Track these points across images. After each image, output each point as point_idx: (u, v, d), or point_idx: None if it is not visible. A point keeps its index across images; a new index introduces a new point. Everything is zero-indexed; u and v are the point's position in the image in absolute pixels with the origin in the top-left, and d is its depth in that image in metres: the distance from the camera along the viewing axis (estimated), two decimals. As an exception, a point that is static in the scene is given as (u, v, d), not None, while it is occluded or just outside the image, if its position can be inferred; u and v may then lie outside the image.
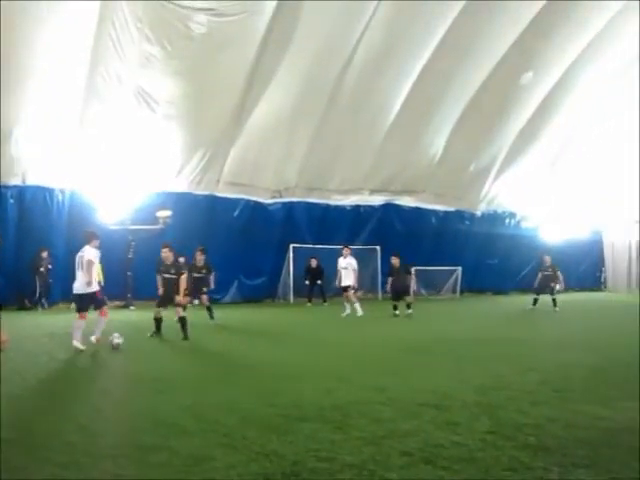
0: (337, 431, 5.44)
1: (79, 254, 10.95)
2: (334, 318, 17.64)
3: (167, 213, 20.52)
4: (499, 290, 29.16)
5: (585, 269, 32.88)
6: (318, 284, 22.92)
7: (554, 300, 19.94)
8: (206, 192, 22.04)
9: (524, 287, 30.03)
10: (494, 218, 29.71)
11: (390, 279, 17.95)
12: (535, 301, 20.41)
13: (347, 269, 18.60)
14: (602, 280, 34.33)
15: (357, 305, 17.93)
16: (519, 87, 24.21)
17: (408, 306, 17.11)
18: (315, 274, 22.99)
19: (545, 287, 20.46)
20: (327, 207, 24.90)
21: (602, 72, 25.47)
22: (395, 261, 17.70)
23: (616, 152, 29.06)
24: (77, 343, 10.38)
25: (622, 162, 29.44)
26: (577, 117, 27.11)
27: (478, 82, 23.39)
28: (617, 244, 33.92)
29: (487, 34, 21.81)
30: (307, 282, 23.24)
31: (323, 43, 19.80)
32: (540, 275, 20.79)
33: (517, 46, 22.32)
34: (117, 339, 10.68)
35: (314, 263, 22.97)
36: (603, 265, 34.45)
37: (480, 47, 22.22)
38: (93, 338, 10.93)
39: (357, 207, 25.65)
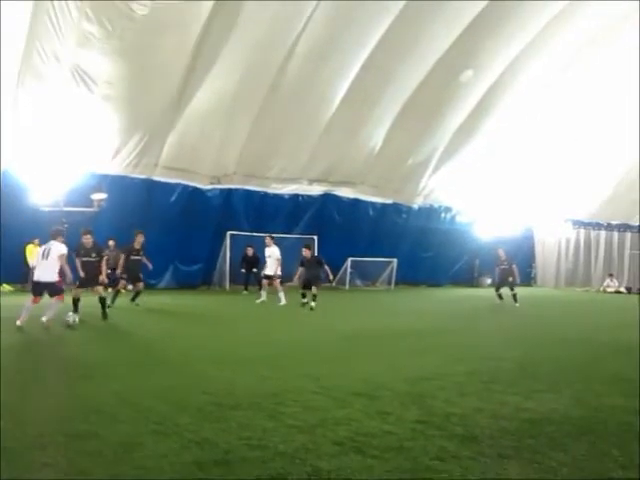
0: (270, 419, 5.48)
1: (45, 246, 11.95)
2: (268, 307, 17.65)
3: (102, 196, 20.13)
4: (433, 283, 29.69)
5: (517, 264, 33.65)
6: (254, 272, 22.86)
7: (514, 295, 19.94)
8: (143, 176, 21.67)
9: (458, 280, 30.81)
10: (430, 212, 30.17)
11: (301, 269, 17.50)
12: (500, 296, 20.44)
13: (270, 258, 18.67)
14: (532, 276, 35.30)
15: (281, 294, 17.93)
16: (458, 84, 24.56)
17: (314, 297, 16.58)
18: (251, 262, 22.92)
19: (504, 281, 20.68)
20: (265, 195, 24.79)
21: (540, 72, 26.05)
22: (306, 252, 17.46)
23: (550, 152, 29.86)
24: (19, 321, 11.05)
25: (555, 162, 30.33)
26: (514, 116, 27.69)
27: (419, 78, 23.63)
28: (547, 241, 35.00)
29: (429, 31, 22.03)
30: (243, 270, 23.16)
31: (266, 32, 19.65)
32: (498, 270, 21.09)
33: (458, 44, 22.60)
34: (72, 318, 11.66)
35: (250, 251, 22.87)
36: (534, 261, 35.44)
37: (422, 44, 22.44)
38: (44, 318, 11.36)
39: (296, 196, 25.64)
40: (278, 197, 25.14)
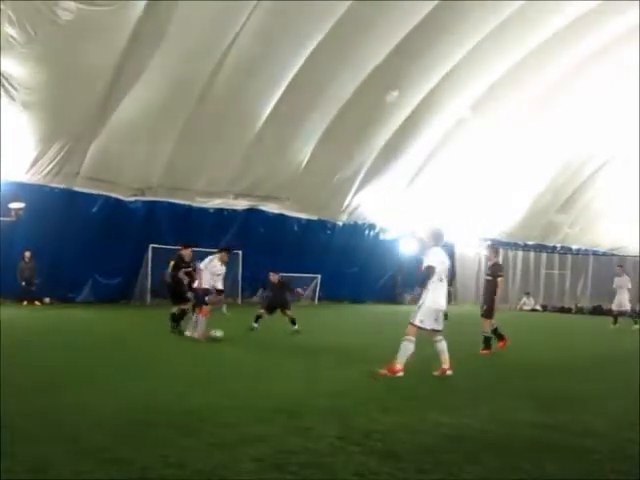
0: (188, 436, 5.38)
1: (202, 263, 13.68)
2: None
3: (20, 205, 19.47)
4: (357, 299, 29.88)
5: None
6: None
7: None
8: (63, 185, 21.08)
9: (380, 297, 31.10)
10: (354, 229, 30.48)
11: (266, 293, 16.94)
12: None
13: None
14: (451, 292, 35.95)
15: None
16: (385, 104, 25.00)
17: (293, 321, 15.13)
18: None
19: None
20: (190, 208, 24.48)
21: (463, 96, 26.84)
22: (273, 277, 16.09)
23: (470, 173, 30.75)
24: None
25: (474, 183, 31.27)
26: (437, 137, 28.39)
27: (346, 96, 23.93)
28: (467, 260, 35.81)
29: (358, 50, 22.39)
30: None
31: (196, 43, 19.52)
32: None
33: (385, 65, 23.07)
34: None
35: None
36: (454, 279, 36.16)
37: (350, 62, 22.77)
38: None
39: (221, 210, 25.43)
40: (203, 211, 24.87)
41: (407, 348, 8.69)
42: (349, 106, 24.14)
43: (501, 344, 12.56)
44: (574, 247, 40.19)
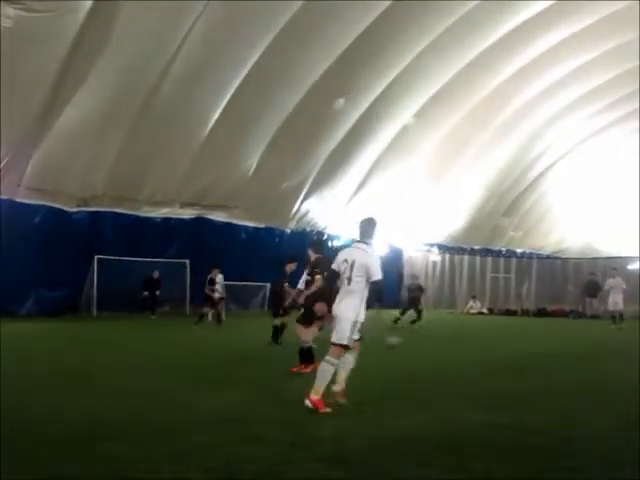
0: (137, 448, 5.29)
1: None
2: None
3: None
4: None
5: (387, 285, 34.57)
6: (156, 295, 23.22)
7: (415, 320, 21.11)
8: (4, 196, 20.51)
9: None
10: (303, 236, 30.47)
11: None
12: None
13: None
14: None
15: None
16: (332, 111, 25.13)
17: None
18: (155, 285, 23.09)
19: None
20: (136, 218, 24.11)
21: (408, 104, 27.21)
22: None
23: (416, 179, 31.17)
24: None
25: (421, 189, 31.73)
26: (383, 143, 28.68)
27: (293, 103, 23.95)
28: (415, 265, 36.17)
29: (303, 59, 22.47)
30: (146, 293, 23.19)
31: (140, 50, 19.24)
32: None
33: (332, 73, 23.17)
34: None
35: (156, 275, 23.05)
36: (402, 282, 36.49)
37: (298, 69, 22.84)
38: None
39: (168, 220, 25.10)
40: (149, 220, 24.53)
41: None
42: (296, 113, 24.17)
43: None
44: (518, 251, 41.08)
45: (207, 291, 19.55)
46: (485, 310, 34.94)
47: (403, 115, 27.61)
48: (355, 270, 7.00)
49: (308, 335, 9.93)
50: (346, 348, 7.00)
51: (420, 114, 27.57)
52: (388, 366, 10.76)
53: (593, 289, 29.28)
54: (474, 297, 35.70)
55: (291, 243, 29.36)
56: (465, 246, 38.21)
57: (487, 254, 38.65)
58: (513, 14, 23.78)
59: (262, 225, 28.39)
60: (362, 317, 7.04)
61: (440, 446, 5.56)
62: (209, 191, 25.29)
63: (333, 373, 6.98)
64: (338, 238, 32.06)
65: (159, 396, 7.82)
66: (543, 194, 38.46)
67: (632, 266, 32.27)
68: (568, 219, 41.00)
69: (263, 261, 25.34)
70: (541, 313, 32.35)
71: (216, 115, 22.70)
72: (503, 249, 40.47)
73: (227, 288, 23.00)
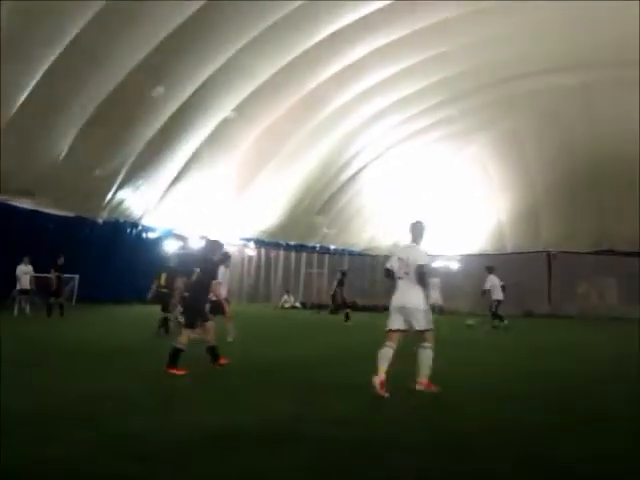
0: None
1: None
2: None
3: None
4: (119, 299, 28.74)
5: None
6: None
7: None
8: None
9: (144, 298, 30.21)
10: (116, 227, 29.48)
11: None
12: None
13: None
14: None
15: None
16: (150, 99, 24.49)
17: None
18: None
19: None
20: None
21: (228, 98, 27.19)
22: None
23: (233, 174, 31.25)
24: None
25: (237, 183, 31.84)
26: (202, 135, 28.42)
27: (109, 88, 23.04)
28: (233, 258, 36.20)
29: (122, 42, 21.66)
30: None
31: None
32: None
33: (150, 61, 22.58)
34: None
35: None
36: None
37: (113, 54, 21.96)
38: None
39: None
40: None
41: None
42: (112, 99, 23.27)
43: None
44: (332, 247, 42.53)
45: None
46: (298, 304, 35.81)
47: (223, 108, 27.53)
48: (412, 266, 8.11)
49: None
50: (421, 333, 8.08)
51: (240, 108, 27.64)
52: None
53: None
54: (288, 291, 36.47)
55: (103, 234, 28.35)
56: (281, 241, 38.93)
57: (302, 250, 39.64)
58: (331, 20, 24.45)
59: (72, 214, 27.05)
60: (426, 304, 8.22)
61: (246, 440, 5.60)
62: (13, 176, 23.57)
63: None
64: (153, 230, 31.40)
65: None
66: (356, 194, 40.07)
67: (435, 264, 34.54)
68: (378, 218, 43.04)
69: (72, 252, 24.11)
70: (352, 307, 33.64)
71: (24, 95, 21.25)
72: (317, 245, 41.69)
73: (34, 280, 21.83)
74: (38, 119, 22.27)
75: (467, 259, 35.17)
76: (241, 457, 5.09)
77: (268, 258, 38.04)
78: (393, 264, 8.32)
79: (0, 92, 20.52)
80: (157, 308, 16.37)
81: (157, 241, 31.43)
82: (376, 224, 43.52)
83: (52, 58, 20.69)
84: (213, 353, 10.02)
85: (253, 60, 25.23)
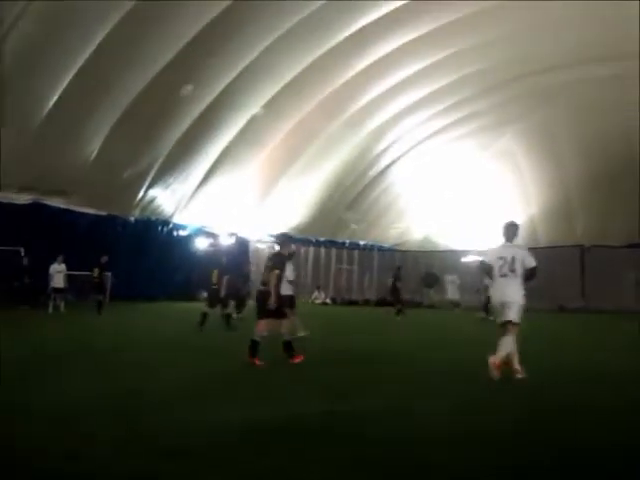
0: None
1: None
2: None
3: None
4: (150, 297, 29.03)
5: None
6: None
7: None
8: None
9: (175, 294, 30.51)
10: (148, 225, 29.75)
11: None
12: None
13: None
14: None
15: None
16: (179, 99, 24.64)
17: None
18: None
19: None
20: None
21: (257, 95, 27.21)
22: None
23: (263, 170, 31.30)
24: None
25: (268, 179, 31.90)
26: (231, 133, 28.50)
27: (139, 88, 23.23)
28: (261, 254, 36.29)
29: (150, 43, 21.81)
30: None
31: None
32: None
33: (179, 59, 22.69)
34: None
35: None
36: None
37: (142, 54, 22.12)
38: None
39: (0, 204, 23.50)
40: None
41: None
42: (141, 99, 23.46)
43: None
44: (361, 243, 42.46)
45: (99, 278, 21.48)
46: (329, 300, 35.84)
47: (252, 105, 27.59)
48: (515, 263, 8.81)
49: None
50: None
51: (269, 105, 27.67)
52: (219, 353, 10.73)
53: (431, 280, 30.92)
54: (319, 287, 36.49)
55: (135, 232, 28.62)
56: (311, 237, 38.93)
57: (332, 245, 39.61)
58: (360, 15, 24.33)
59: (103, 212, 27.37)
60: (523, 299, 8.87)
61: (279, 437, 5.61)
62: (47, 176, 23.92)
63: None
64: (184, 228, 31.64)
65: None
66: (385, 189, 39.90)
67: (466, 259, 34.33)
68: (408, 214, 42.85)
69: (104, 250, 24.40)
70: (381, 303, 33.64)
71: (56, 97, 21.53)
72: (347, 241, 41.64)
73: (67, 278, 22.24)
74: (70, 120, 22.52)
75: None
76: (274, 456, 5.08)
77: (298, 254, 38.07)
78: (493, 262, 9.03)
79: (33, 94, 20.84)
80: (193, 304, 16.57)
81: (188, 239, 31.69)
82: (406, 219, 43.33)
83: (83, 59, 20.90)
84: (289, 348, 10.26)
85: (281, 57, 25.23)
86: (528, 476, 4.74)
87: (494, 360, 8.48)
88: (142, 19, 20.38)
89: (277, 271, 10.21)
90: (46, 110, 21.73)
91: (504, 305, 8.84)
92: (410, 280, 33.53)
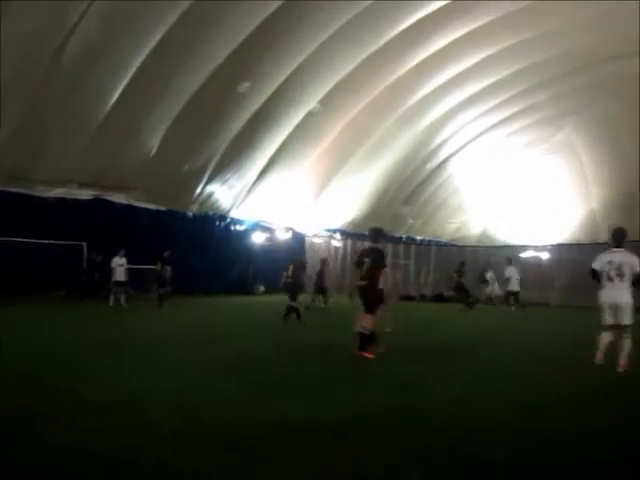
0: (25, 440, 5.16)
1: None
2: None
3: None
4: (208, 291, 29.48)
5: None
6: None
7: None
8: None
9: (233, 289, 30.94)
10: (205, 220, 30.22)
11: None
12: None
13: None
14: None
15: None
16: (236, 95, 24.92)
17: None
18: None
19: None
20: (30, 198, 23.07)
21: (312, 91, 27.29)
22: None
23: (319, 166, 31.42)
24: None
25: (324, 174, 32.03)
26: (287, 129, 28.68)
27: (196, 85, 23.59)
28: (317, 249, 36.55)
29: (206, 41, 22.08)
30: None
31: (35, 26, 18.37)
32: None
33: (236, 56, 22.95)
34: None
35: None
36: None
37: (200, 51, 22.45)
38: None
39: (63, 200, 24.20)
40: (44, 201, 23.53)
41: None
42: (199, 96, 23.83)
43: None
44: (418, 238, 42.19)
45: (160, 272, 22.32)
46: (384, 295, 35.70)
47: (308, 102, 27.70)
48: (624, 268, 9.18)
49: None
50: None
51: (324, 101, 27.74)
52: (288, 351, 10.83)
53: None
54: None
55: (193, 227, 29.11)
56: (366, 232, 38.74)
57: (388, 240, 39.44)
58: (414, 10, 24.13)
59: (163, 208, 27.93)
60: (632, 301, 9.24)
61: (340, 431, 5.68)
62: (108, 172, 24.60)
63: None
64: (241, 223, 32.01)
65: (41, 381, 7.59)
66: (442, 184, 39.56)
67: (525, 254, 33.74)
68: (465, 208, 42.40)
69: (164, 244, 24.93)
70: (438, 298, 33.41)
71: (116, 95, 22.07)
72: (403, 236, 41.42)
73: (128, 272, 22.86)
74: (130, 117, 23.04)
75: (559, 248, 34.06)
76: (332, 449, 5.14)
77: (354, 249, 38.07)
78: (602, 266, 9.37)
79: (94, 92, 21.45)
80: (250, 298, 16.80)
81: (245, 233, 32.08)
82: (463, 214, 42.86)
83: (142, 58, 21.36)
84: (369, 341, 10.41)
85: (335, 54, 25.22)
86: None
87: (622, 362, 8.99)
88: (199, 18, 20.69)
89: (386, 269, 10.84)
90: (107, 107, 22.29)
91: (615, 308, 9.21)
92: (467, 276, 33.14)
